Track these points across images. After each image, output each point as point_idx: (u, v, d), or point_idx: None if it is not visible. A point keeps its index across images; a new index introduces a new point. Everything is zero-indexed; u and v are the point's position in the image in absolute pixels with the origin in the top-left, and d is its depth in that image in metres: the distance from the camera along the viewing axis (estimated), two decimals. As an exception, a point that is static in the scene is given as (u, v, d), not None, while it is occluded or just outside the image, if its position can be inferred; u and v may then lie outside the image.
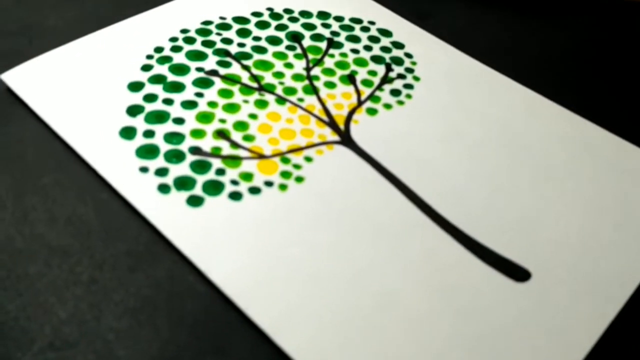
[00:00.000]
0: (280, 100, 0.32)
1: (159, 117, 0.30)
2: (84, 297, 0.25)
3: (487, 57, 0.36)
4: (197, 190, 0.27)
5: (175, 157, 0.29)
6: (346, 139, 0.30)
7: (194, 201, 0.27)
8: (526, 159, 0.30)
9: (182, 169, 0.28)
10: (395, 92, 0.33)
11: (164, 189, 0.27)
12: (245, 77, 0.33)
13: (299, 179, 0.28)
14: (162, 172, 0.28)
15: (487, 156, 0.30)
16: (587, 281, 0.26)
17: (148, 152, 0.29)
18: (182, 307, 0.25)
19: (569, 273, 0.26)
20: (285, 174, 0.28)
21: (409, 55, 0.35)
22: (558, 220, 0.28)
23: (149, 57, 0.33)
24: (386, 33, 0.36)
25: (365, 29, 0.36)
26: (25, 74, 0.31)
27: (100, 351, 0.23)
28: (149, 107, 0.31)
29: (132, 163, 0.28)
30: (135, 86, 0.31)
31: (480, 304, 0.25)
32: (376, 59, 0.35)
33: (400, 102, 0.32)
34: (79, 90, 0.31)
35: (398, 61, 0.35)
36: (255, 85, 0.32)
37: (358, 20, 0.37)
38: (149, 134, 0.29)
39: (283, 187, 0.28)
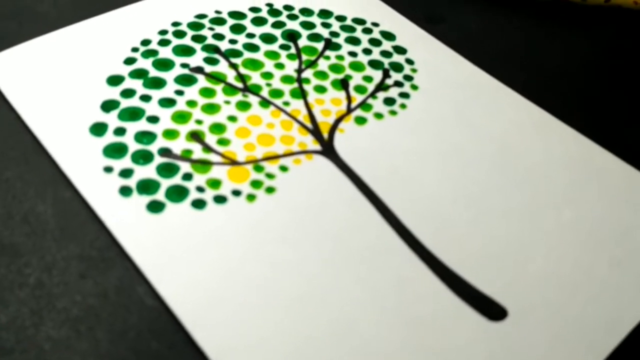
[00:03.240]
0: (264, 103, 0.30)
1: (133, 114, 0.29)
2: (27, 301, 0.23)
3: (497, 68, 0.34)
4: (160, 196, 0.26)
5: (143, 158, 0.27)
6: (328, 149, 0.28)
7: (155, 207, 0.26)
8: (523, 183, 0.28)
9: (147, 172, 0.27)
10: (389, 101, 0.31)
11: (125, 191, 0.26)
12: (231, 76, 0.31)
13: (270, 190, 0.26)
14: (126, 173, 0.27)
15: (480, 177, 0.28)
16: (569, 326, 0.23)
17: (116, 150, 0.27)
18: (126, 320, 0.23)
19: (550, 315, 0.24)
20: (256, 184, 0.27)
21: (410, 62, 0.33)
22: (549, 253, 0.25)
23: (134, 49, 0.32)
24: (389, 36, 0.34)
25: (367, 31, 0.34)
26: (5, 61, 0.30)
27: (33, 361, 0.22)
28: (125, 103, 0.29)
29: (97, 162, 0.27)
30: (114, 80, 0.30)
31: (446, 342, 0.23)
32: (374, 64, 0.32)
33: (393, 112, 0.30)
34: (57, 81, 0.30)
35: (397, 67, 0.32)
36: (240, 85, 0.31)
37: (361, 21, 0.35)
38: (120, 131, 0.28)
39: (251, 197, 0.26)
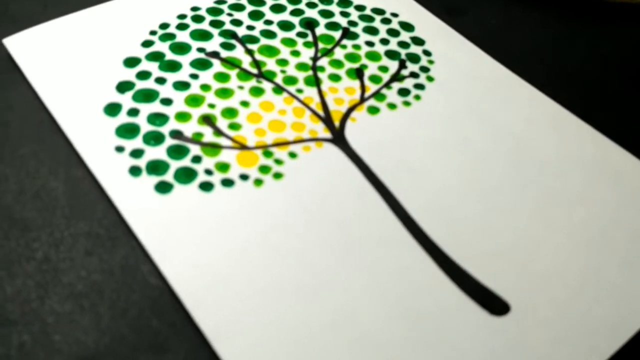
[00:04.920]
0: (278, 90, 0.30)
1: (148, 95, 0.29)
2: (33, 274, 0.24)
3: (517, 63, 0.33)
4: (168, 177, 0.26)
5: (154, 139, 0.27)
6: (338, 138, 0.28)
7: (163, 187, 0.26)
8: (535, 179, 0.27)
9: (158, 153, 0.27)
10: (403, 92, 0.30)
11: (135, 171, 0.26)
12: (246, 61, 0.31)
13: (278, 175, 0.27)
14: (137, 153, 0.27)
15: (491, 171, 0.27)
16: (572, 326, 0.23)
17: (128, 131, 0.28)
18: (129, 297, 0.23)
19: (553, 313, 0.23)
20: (264, 169, 0.27)
21: (427, 53, 0.32)
22: (556, 251, 0.25)
23: (153, 33, 0.32)
24: (408, 27, 0.34)
25: (386, 21, 0.34)
26: (26, 40, 0.31)
27: (36, 333, 0.22)
28: (140, 84, 0.29)
29: (109, 141, 0.27)
30: (131, 62, 0.30)
31: (446, 334, 0.22)
32: (390, 54, 0.32)
33: (407, 103, 0.30)
34: (75, 61, 0.30)
35: (414, 58, 0.32)
36: (255, 71, 0.31)
37: (380, 11, 0.35)
38: (133, 112, 0.28)
39: (258, 182, 0.26)
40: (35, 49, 0.31)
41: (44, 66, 0.30)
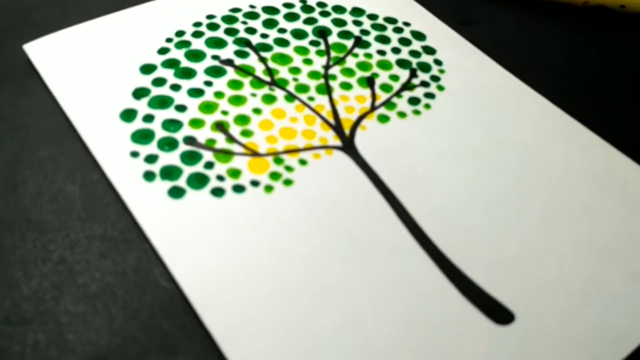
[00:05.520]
0: (290, 97, 0.30)
1: (163, 102, 0.30)
2: (49, 275, 0.25)
3: (528, 73, 0.33)
4: (181, 182, 0.27)
5: (168, 144, 0.28)
6: (348, 146, 0.29)
7: (175, 192, 0.26)
8: (542, 190, 0.28)
9: (171, 158, 0.28)
10: (413, 101, 0.31)
11: (149, 176, 0.27)
12: (259, 69, 0.32)
13: (288, 182, 0.27)
14: (151, 159, 0.27)
15: (498, 181, 0.28)
16: (575, 337, 0.23)
17: (143, 136, 0.28)
18: (141, 299, 0.24)
19: (557, 324, 0.23)
20: (275, 175, 0.27)
21: (438, 62, 0.33)
22: (562, 262, 0.25)
23: (169, 40, 0.33)
24: (419, 36, 0.34)
25: (398, 30, 0.34)
26: (45, 46, 0.32)
27: (50, 332, 0.23)
28: (155, 91, 0.30)
29: (125, 146, 0.28)
30: (147, 69, 0.31)
31: (449, 342, 0.23)
32: (402, 63, 0.33)
33: (417, 112, 0.30)
34: (93, 67, 0.31)
35: (425, 67, 0.32)
36: (268, 79, 0.31)
37: (392, 20, 0.35)
38: (148, 118, 0.29)
39: (269, 188, 0.27)
40: (54, 55, 0.31)
41: (62, 72, 0.31)
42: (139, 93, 0.30)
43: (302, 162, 0.28)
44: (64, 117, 0.30)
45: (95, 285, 0.24)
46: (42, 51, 0.32)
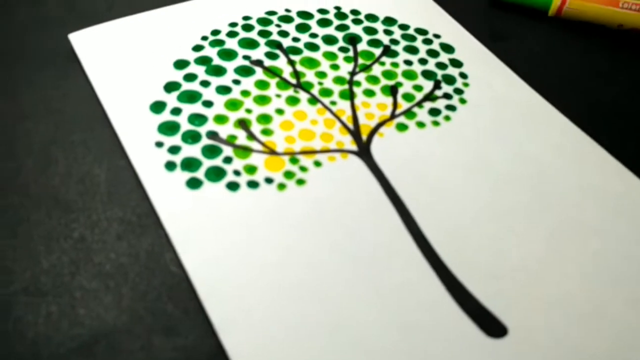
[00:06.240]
0: (313, 101, 0.31)
1: (191, 97, 0.31)
2: (68, 252, 0.26)
3: (553, 92, 0.33)
4: (200, 174, 0.28)
5: (192, 138, 0.29)
6: (363, 151, 0.29)
7: (193, 183, 0.28)
8: (552, 209, 0.28)
9: (193, 151, 0.29)
10: (434, 112, 0.31)
11: (170, 166, 0.28)
12: (287, 71, 0.33)
13: (300, 182, 0.28)
14: (174, 150, 0.29)
15: (509, 196, 0.28)
16: (566, 355, 0.23)
17: (169, 128, 0.30)
18: (150, 282, 0.25)
19: (550, 342, 0.24)
20: (289, 174, 0.28)
21: (463, 76, 0.33)
22: (563, 281, 0.25)
23: (204, 38, 0.34)
24: (448, 49, 0.35)
25: (427, 42, 0.35)
26: (89, 37, 0.34)
27: (63, 305, 0.25)
28: (186, 86, 0.32)
29: (151, 136, 0.29)
30: (180, 64, 0.33)
31: (439, 351, 0.23)
32: (427, 74, 0.33)
33: (436, 123, 0.31)
34: (131, 59, 0.33)
35: (449, 80, 0.33)
36: (294, 81, 0.32)
37: (423, 32, 0.36)
38: (176, 111, 0.30)
39: (282, 186, 0.28)
40: (96, 45, 0.33)
41: (101, 61, 0.32)
42: (170, 87, 0.31)
43: (317, 163, 0.29)
44: (98, 105, 0.31)
45: (109, 264, 0.26)
46: (85, 41, 0.33)
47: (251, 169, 0.28)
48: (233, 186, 0.28)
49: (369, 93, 0.32)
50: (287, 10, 0.36)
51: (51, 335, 0.24)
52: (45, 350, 0.23)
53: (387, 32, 0.35)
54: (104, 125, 0.31)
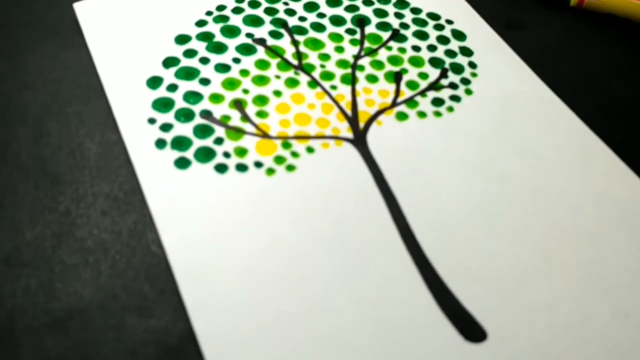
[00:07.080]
0: (313, 84, 0.31)
1: (189, 73, 0.30)
2: (52, 225, 0.26)
3: (564, 87, 0.32)
4: (189, 154, 0.28)
5: (185, 116, 0.29)
6: (359, 139, 0.29)
7: (181, 163, 0.27)
8: (549, 210, 0.27)
9: (185, 129, 0.28)
10: (437, 102, 0.30)
11: (160, 144, 0.28)
12: (290, 52, 0.32)
13: (291, 168, 0.27)
14: (166, 127, 0.28)
15: (505, 195, 0.27)
16: (544, 365, 0.22)
17: (163, 105, 0.29)
18: (129, 260, 0.25)
19: (529, 349, 0.23)
20: (279, 159, 0.28)
21: (472, 65, 0.32)
22: (550, 288, 0.24)
23: (208, 13, 0.33)
24: (460, 36, 0.33)
25: (439, 27, 0.34)
26: (93, 7, 0.33)
27: (42, 279, 0.25)
28: (185, 62, 0.31)
29: (144, 112, 0.29)
30: (181, 39, 0.32)
31: (414, 350, 0.22)
32: (434, 62, 0.32)
33: (438, 114, 0.30)
34: (133, 33, 0.32)
35: (457, 69, 0.32)
36: (295, 62, 0.31)
37: (436, 16, 0.34)
38: (172, 87, 0.30)
39: (271, 171, 0.27)
40: (100, 16, 0.33)
41: (104, 33, 0.32)
42: (169, 62, 0.31)
43: (310, 149, 0.28)
44: (96, 77, 0.31)
45: (91, 240, 0.26)
46: (89, 11, 0.33)
47: (241, 152, 0.28)
48: (221, 168, 0.27)
49: (372, 79, 0.31)
50: (297, -12, 0.35)
51: (27, 309, 0.24)
52: (20, 323, 0.23)
53: (398, 15, 0.34)
54: (100, 99, 0.30)
